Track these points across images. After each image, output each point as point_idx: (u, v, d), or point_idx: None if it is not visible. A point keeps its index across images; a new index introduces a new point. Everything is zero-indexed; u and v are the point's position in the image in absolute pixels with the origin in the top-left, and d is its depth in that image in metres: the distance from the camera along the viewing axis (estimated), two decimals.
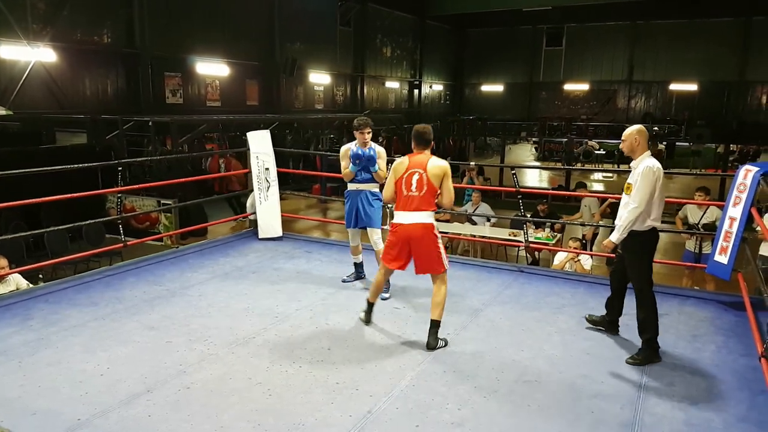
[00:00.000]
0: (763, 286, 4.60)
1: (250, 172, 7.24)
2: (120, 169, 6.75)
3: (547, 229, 9.56)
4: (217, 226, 10.78)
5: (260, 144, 7.16)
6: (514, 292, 5.47)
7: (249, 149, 7.18)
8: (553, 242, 9.31)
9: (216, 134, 16.77)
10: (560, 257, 7.87)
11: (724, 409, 3.43)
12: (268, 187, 7.14)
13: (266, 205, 7.14)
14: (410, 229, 4.21)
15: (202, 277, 5.70)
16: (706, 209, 7.39)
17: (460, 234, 9.85)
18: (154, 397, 3.43)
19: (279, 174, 7.27)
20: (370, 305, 4.59)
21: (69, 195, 5.79)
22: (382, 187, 5.81)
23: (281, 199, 7.25)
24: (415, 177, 4.21)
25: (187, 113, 16.05)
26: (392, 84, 28.46)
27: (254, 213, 7.29)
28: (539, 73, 32.66)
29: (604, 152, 24.87)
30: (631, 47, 29.96)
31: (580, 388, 3.66)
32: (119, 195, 6.74)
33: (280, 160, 7.55)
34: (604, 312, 4.63)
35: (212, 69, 17.97)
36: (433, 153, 4.40)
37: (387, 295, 5.14)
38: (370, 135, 5.21)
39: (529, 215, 7.98)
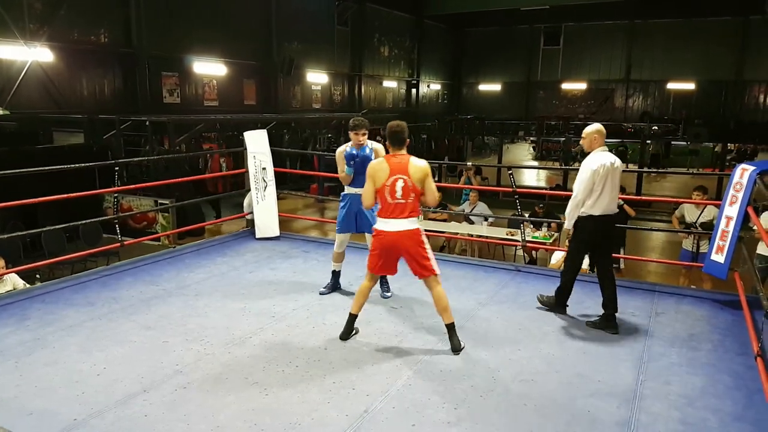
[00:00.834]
0: (760, 285, 4.62)
1: (247, 171, 7.24)
2: (117, 168, 6.74)
3: (544, 228, 9.57)
4: (215, 225, 10.78)
5: (257, 143, 7.16)
6: (511, 291, 5.47)
7: (246, 149, 7.18)
8: (551, 241, 9.32)
9: (213, 134, 16.76)
10: (557, 256, 7.88)
11: (720, 408, 3.43)
12: (266, 187, 7.14)
13: (263, 205, 7.14)
14: (397, 237, 4.08)
15: (199, 277, 5.70)
16: (704, 208, 7.41)
17: (457, 233, 9.86)
18: (150, 397, 3.43)
19: (276, 173, 7.26)
20: (353, 318, 4.31)
21: (66, 195, 5.78)
22: None
23: (278, 198, 7.25)
24: (400, 184, 4.03)
25: (185, 113, 16.05)
26: (390, 83, 28.48)
27: (251, 213, 7.28)
28: (537, 73, 32.70)
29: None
30: (629, 46, 30.02)
31: (577, 387, 3.66)
32: (116, 195, 6.73)
33: (278, 159, 7.54)
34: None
35: (209, 68, 17.96)
36: (410, 151, 4.25)
37: (389, 294, 5.17)
38: (366, 136, 5.02)
39: (526, 215, 7.99)
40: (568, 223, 4.67)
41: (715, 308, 5.09)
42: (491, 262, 6.81)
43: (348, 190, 5.15)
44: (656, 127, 26.70)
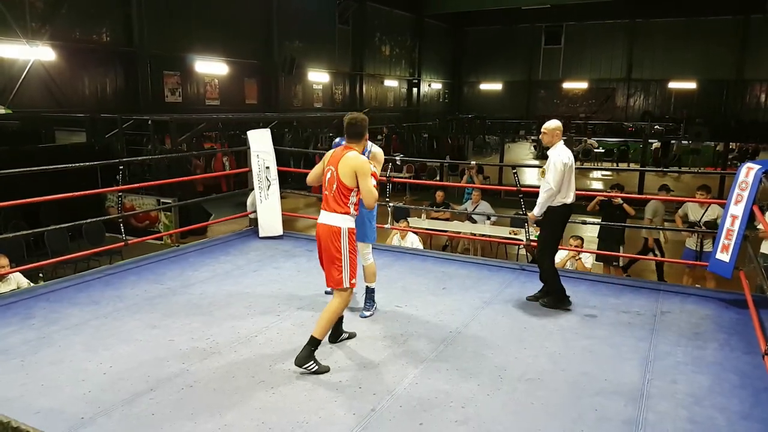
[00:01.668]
0: (765, 284, 4.61)
1: (251, 170, 7.23)
2: (120, 168, 6.74)
3: None
4: (218, 225, 10.76)
5: (261, 142, 7.15)
6: (515, 290, 5.46)
7: (249, 148, 7.17)
8: None
9: (215, 133, 16.76)
10: (561, 255, 7.85)
11: (728, 407, 3.43)
12: (269, 186, 7.13)
13: (267, 204, 7.13)
14: (319, 229, 3.89)
15: (203, 276, 5.70)
16: (707, 207, 7.40)
17: (460, 232, 9.85)
18: (157, 396, 3.42)
19: (278, 173, 7.25)
20: (338, 321, 4.16)
21: (68, 194, 5.78)
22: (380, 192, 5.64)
23: (281, 197, 7.24)
24: (328, 175, 3.89)
25: (186, 112, 16.03)
26: (391, 82, 28.45)
27: (254, 211, 7.28)
28: (538, 72, 32.67)
29: (603, 150, 24.89)
30: (630, 45, 29.98)
31: (583, 385, 3.66)
32: (119, 194, 6.73)
33: (280, 158, 7.53)
34: (607, 307, 4.65)
35: (211, 68, 17.95)
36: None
37: (368, 314, 4.70)
38: (366, 135, 4.76)
39: (530, 213, 7.97)
40: (539, 211, 4.95)
41: (720, 307, 5.09)
42: (495, 261, 6.81)
43: None
44: (658, 127, 26.68)
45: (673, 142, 23.46)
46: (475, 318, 4.73)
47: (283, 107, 20.68)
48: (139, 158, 11.45)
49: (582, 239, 7.65)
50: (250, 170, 7.25)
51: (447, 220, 10.73)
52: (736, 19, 27.23)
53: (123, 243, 6.32)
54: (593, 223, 7.71)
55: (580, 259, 7.54)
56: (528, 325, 4.61)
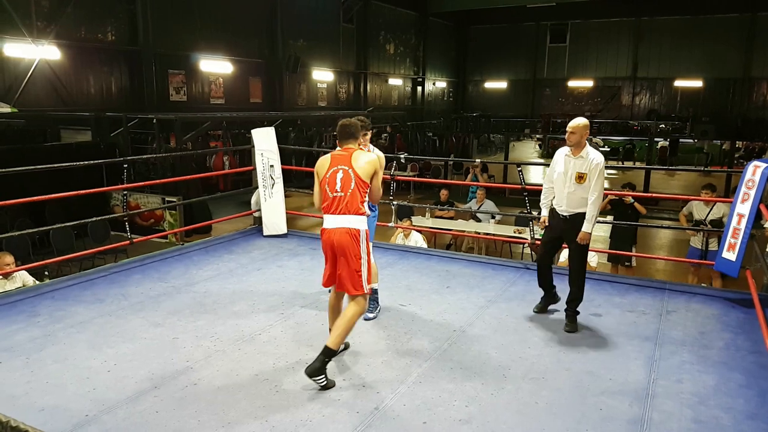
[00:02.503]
0: None
1: (255, 169, 7.23)
2: (125, 166, 6.75)
3: None
4: (222, 224, 10.78)
5: (265, 141, 7.15)
6: (519, 289, 5.45)
7: (253, 146, 7.18)
8: None
9: (220, 132, 16.78)
10: (566, 254, 7.84)
11: (733, 407, 3.41)
12: (273, 185, 7.13)
13: (271, 203, 7.14)
14: (333, 234, 3.65)
15: (207, 274, 5.70)
16: (713, 206, 7.36)
17: (464, 231, 9.84)
18: (161, 394, 3.43)
19: (283, 171, 7.25)
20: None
21: (74, 192, 5.79)
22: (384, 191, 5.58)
23: (285, 196, 7.24)
24: (339, 175, 3.67)
25: (191, 111, 16.07)
26: (395, 81, 28.42)
27: (259, 210, 7.28)
28: (543, 70, 32.57)
29: (608, 149, 24.81)
30: (636, 44, 29.85)
31: (588, 385, 3.64)
32: (124, 192, 6.74)
33: (284, 157, 7.54)
34: (610, 306, 4.62)
35: (216, 66, 17.97)
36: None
37: (372, 316, 4.59)
38: (368, 137, 4.52)
39: (535, 212, 7.95)
40: (592, 225, 4.43)
41: (726, 306, 5.06)
42: (499, 260, 6.79)
43: None
44: (663, 125, 26.58)
45: (681, 140, 23.36)
46: (479, 317, 4.72)
47: (288, 106, 20.69)
48: (143, 157, 11.47)
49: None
50: (254, 169, 7.25)
51: (451, 218, 10.72)
52: (742, 17, 27.07)
53: (128, 241, 6.34)
54: (603, 222, 7.67)
55: None
56: (532, 324, 4.60)
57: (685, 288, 5.66)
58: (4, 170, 5.20)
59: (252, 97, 19.86)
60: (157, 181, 9.64)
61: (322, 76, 23.15)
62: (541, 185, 4.91)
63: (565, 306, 4.61)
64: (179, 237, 9.72)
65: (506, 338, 4.33)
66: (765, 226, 5.41)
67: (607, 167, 4.59)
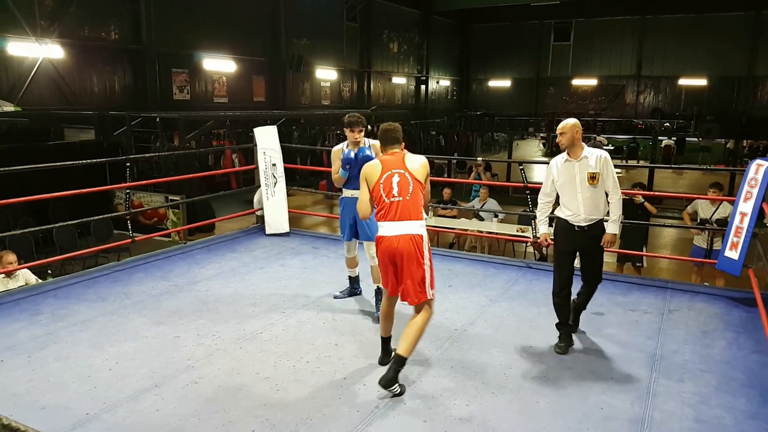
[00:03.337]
0: None
1: (257, 168, 7.24)
2: (128, 165, 6.76)
3: None
4: (224, 222, 10.80)
5: (267, 140, 7.16)
6: (521, 288, 5.44)
7: (256, 145, 7.18)
8: None
9: (223, 131, 16.80)
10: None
11: (735, 406, 3.40)
12: (275, 183, 7.14)
13: (273, 201, 7.14)
14: (395, 242, 3.50)
15: (210, 273, 5.71)
16: (719, 205, 7.31)
17: (467, 230, 9.82)
18: (162, 392, 3.44)
19: (285, 170, 7.26)
20: (385, 341, 3.85)
21: (77, 191, 5.81)
22: None
23: (288, 195, 7.25)
24: (395, 179, 3.54)
25: (195, 109, 16.09)
26: (399, 80, 28.40)
27: (261, 209, 7.29)
28: (547, 69, 32.50)
29: (612, 148, 24.73)
30: (640, 42, 29.77)
31: (589, 384, 3.64)
32: (127, 191, 6.76)
33: (287, 156, 7.54)
34: (613, 306, 4.59)
35: (219, 65, 17.98)
36: (416, 149, 4.02)
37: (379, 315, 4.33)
38: (362, 134, 4.57)
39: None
40: (617, 228, 4.19)
41: (728, 305, 5.04)
42: (501, 258, 6.78)
43: (344, 192, 4.79)
44: (667, 124, 26.50)
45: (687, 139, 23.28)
46: (481, 316, 4.72)
47: (291, 105, 20.70)
48: (146, 155, 11.49)
49: None
50: (257, 167, 7.26)
51: (454, 217, 10.71)
52: (747, 15, 26.96)
53: (130, 240, 6.35)
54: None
55: None
56: (534, 324, 4.59)
57: (687, 287, 5.64)
58: (7, 169, 5.22)
59: (255, 96, 19.88)
60: (160, 179, 9.65)
61: (326, 74, 23.15)
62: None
63: (573, 314, 4.33)
64: (182, 235, 9.74)
65: (508, 337, 4.32)
66: None
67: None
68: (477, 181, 11.28)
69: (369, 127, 4.68)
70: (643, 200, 7.70)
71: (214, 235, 7.79)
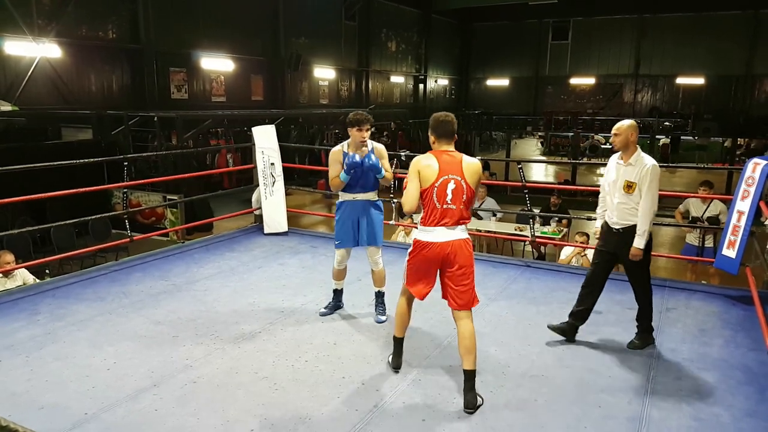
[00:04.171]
0: None
1: (256, 167, 7.24)
2: (126, 164, 6.75)
3: (554, 224, 9.52)
4: (223, 222, 10.80)
5: (265, 139, 7.16)
6: (520, 286, 5.45)
7: (254, 144, 7.18)
8: (560, 237, 9.27)
9: (221, 130, 16.79)
10: (567, 252, 7.84)
11: (733, 404, 3.41)
12: (274, 183, 7.14)
13: (271, 201, 7.14)
14: (447, 247, 3.38)
15: (208, 272, 5.71)
16: (710, 203, 7.35)
17: None
18: (160, 392, 3.44)
19: (283, 169, 7.26)
20: (399, 342, 3.77)
21: (75, 190, 5.80)
22: (386, 188, 5.48)
23: (286, 194, 7.25)
24: (451, 186, 3.34)
25: (193, 109, 16.06)
26: (397, 79, 28.38)
27: (259, 208, 7.29)
28: (545, 68, 32.49)
29: (610, 146, 24.71)
30: (638, 41, 29.76)
31: (587, 382, 3.65)
32: (125, 190, 6.76)
33: (285, 155, 7.54)
34: (615, 308, 4.60)
35: (217, 64, 17.95)
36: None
37: (384, 318, 4.53)
38: (369, 133, 4.28)
39: (536, 210, 7.95)
40: (644, 242, 3.98)
41: (726, 304, 5.05)
42: (500, 257, 6.79)
43: (343, 196, 4.50)
44: (666, 123, 26.51)
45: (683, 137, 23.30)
46: (480, 314, 4.70)
47: (289, 104, 20.68)
48: (144, 154, 11.48)
49: (588, 235, 7.61)
50: (255, 167, 7.25)
51: None
52: (745, 14, 26.97)
53: (128, 239, 6.34)
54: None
55: (585, 255, 7.51)
56: (532, 322, 4.60)
57: (684, 285, 5.66)
58: (5, 168, 5.21)
59: (253, 95, 19.85)
60: (158, 178, 9.64)
61: (324, 73, 23.12)
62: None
63: (636, 323, 4.24)
64: (180, 235, 9.73)
65: (506, 336, 4.33)
66: (765, 223, 5.40)
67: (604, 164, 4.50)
68: None
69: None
70: None
71: (212, 235, 7.79)
